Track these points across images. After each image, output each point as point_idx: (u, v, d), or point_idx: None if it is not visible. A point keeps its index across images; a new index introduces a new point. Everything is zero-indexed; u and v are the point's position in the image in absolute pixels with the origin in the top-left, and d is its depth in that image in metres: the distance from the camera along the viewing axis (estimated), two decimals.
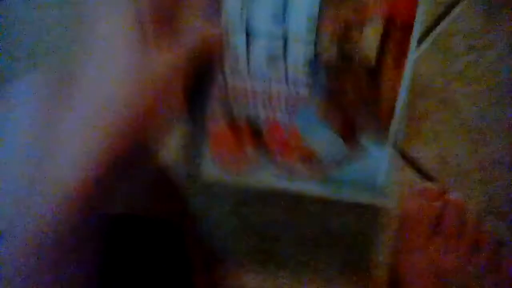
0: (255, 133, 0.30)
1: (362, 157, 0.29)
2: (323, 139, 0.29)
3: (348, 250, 0.46)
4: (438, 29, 0.47)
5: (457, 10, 0.47)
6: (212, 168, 0.30)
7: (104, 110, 0.23)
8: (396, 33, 0.28)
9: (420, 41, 0.47)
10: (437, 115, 0.47)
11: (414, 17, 0.28)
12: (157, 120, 0.25)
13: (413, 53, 0.28)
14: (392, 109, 0.29)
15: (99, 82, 0.24)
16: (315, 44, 0.28)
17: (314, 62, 0.29)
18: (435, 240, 0.43)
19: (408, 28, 0.28)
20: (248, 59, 0.29)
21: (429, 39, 0.47)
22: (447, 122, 0.46)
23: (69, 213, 0.22)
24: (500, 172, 0.46)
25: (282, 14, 0.29)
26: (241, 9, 0.29)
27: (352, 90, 0.29)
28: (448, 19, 0.47)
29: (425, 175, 0.46)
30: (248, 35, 0.29)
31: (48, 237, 0.21)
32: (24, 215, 0.22)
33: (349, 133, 0.29)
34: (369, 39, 0.28)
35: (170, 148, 0.43)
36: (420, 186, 0.45)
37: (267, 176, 0.30)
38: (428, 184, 0.45)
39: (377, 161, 0.29)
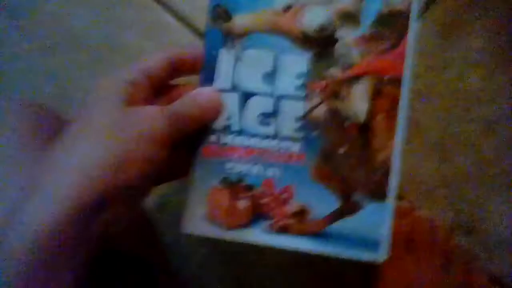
0: (248, 189, 0.30)
1: (357, 213, 0.29)
2: (315, 195, 0.29)
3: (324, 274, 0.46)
4: None
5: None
6: (198, 224, 0.30)
7: (89, 161, 0.25)
8: (386, 89, 0.29)
9: None
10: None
11: (401, 72, 0.28)
12: (141, 171, 0.26)
13: (405, 108, 0.28)
14: (385, 164, 0.29)
15: (85, 136, 0.26)
16: (305, 102, 0.29)
17: (305, 120, 0.29)
18: (408, 257, 0.43)
19: (397, 83, 0.28)
20: (241, 117, 0.30)
21: None
22: (410, 141, 0.47)
23: (44, 246, 0.23)
24: (466, 187, 0.47)
25: (272, 73, 0.30)
26: (233, 70, 0.30)
27: (344, 147, 0.29)
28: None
29: None
30: (240, 94, 0.30)
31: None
32: None
33: (342, 189, 0.29)
34: (358, 96, 0.29)
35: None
36: None
37: (258, 232, 0.29)
38: (397, 203, 0.45)
39: (373, 217, 0.29)
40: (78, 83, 0.49)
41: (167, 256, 0.43)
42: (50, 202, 0.23)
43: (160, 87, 0.30)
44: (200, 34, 0.49)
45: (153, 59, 0.30)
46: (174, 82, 0.31)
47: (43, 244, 0.23)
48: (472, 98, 0.48)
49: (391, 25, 0.29)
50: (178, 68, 0.31)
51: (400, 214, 0.44)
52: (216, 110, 0.30)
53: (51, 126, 0.37)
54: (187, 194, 0.30)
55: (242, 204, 0.30)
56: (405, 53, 0.28)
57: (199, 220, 0.30)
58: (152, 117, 0.27)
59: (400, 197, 0.47)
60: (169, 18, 0.50)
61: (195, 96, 0.29)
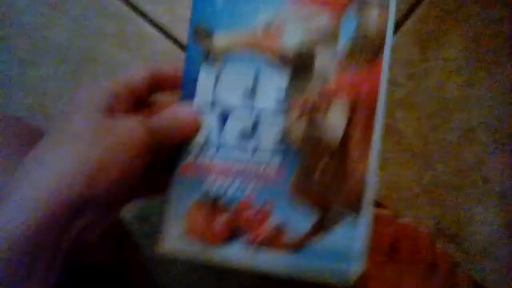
0: (227, 206, 0.30)
1: (335, 227, 0.29)
2: (294, 211, 0.29)
3: None
4: None
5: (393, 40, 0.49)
6: (176, 242, 0.30)
7: (64, 167, 0.24)
8: (362, 106, 0.29)
9: None
10: (382, 143, 0.48)
11: (377, 90, 0.29)
12: (117, 180, 0.26)
13: (380, 124, 0.29)
14: (362, 178, 0.29)
15: (62, 142, 0.26)
16: (285, 118, 0.30)
17: (284, 136, 0.30)
18: (391, 265, 0.43)
19: (372, 100, 0.29)
20: (220, 134, 0.30)
21: None
22: (392, 150, 0.48)
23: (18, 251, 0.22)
24: (447, 195, 0.47)
25: (252, 90, 0.30)
26: (213, 87, 0.30)
27: (322, 162, 0.29)
28: None
29: (375, 202, 0.47)
30: (220, 111, 0.30)
31: None
32: None
33: (321, 204, 0.29)
34: (336, 113, 0.29)
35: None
36: None
37: (238, 249, 0.29)
38: (379, 211, 0.45)
39: (350, 231, 0.29)
40: (57, 94, 0.48)
41: (147, 268, 0.42)
42: (23, 208, 0.23)
43: (140, 101, 0.30)
44: (180, 44, 0.49)
45: (135, 73, 0.30)
46: (153, 98, 0.31)
47: (14, 251, 0.22)
48: (452, 106, 0.48)
49: (367, 44, 0.29)
50: (159, 83, 0.31)
51: (382, 223, 0.44)
52: (194, 127, 0.30)
53: (27, 138, 0.36)
54: (164, 212, 0.30)
55: (221, 220, 0.30)
56: (380, 71, 0.29)
57: (177, 238, 0.30)
58: (132, 128, 0.27)
59: (382, 206, 0.47)
60: (149, 29, 0.49)
61: (175, 111, 0.30)
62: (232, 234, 0.30)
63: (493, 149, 0.48)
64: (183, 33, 0.49)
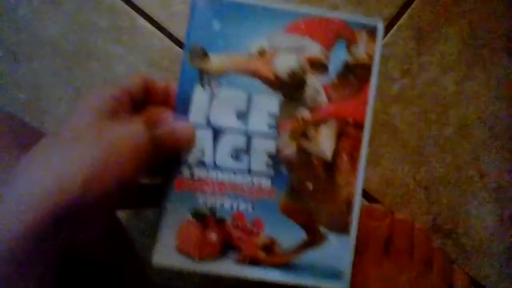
0: (219, 222, 0.31)
1: (322, 245, 0.31)
2: (284, 228, 0.31)
3: None
4: None
5: (388, 36, 0.49)
6: (169, 255, 0.31)
7: (65, 167, 0.24)
8: (349, 131, 0.32)
9: None
10: (378, 138, 0.48)
11: (363, 116, 0.32)
12: (118, 183, 0.26)
13: (366, 149, 0.32)
14: (348, 200, 0.32)
15: (64, 142, 0.26)
16: (276, 140, 0.31)
17: (276, 157, 0.31)
18: (387, 260, 0.43)
19: (359, 126, 0.32)
20: (214, 152, 0.31)
21: None
22: (388, 145, 0.47)
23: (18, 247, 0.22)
24: (443, 190, 0.47)
25: (245, 112, 0.32)
26: (208, 107, 0.32)
27: (311, 183, 0.32)
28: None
29: (371, 198, 0.47)
30: (214, 130, 0.31)
31: None
32: None
33: (309, 223, 0.31)
34: (325, 137, 0.31)
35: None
36: (367, 207, 0.45)
37: (228, 264, 0.31)
38: (375, 205, 0.45)
39: (337, 249, 0.31)
40: (51, 89, 0.48)
41: (141, 263, 0.42)
42: (20, 208, 0.23)
43: (136, 107, 0.31)
44: (175, 39, 0.49)
45: (133, 80, 0.31)
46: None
47: (11, 249, 0.22)
48: (448, 102, 0.48)
49: (355, 73, 0.32)
50: (150, 95, 0.32)
51: (377, 217, 0.44)
52: (191, 140, 0.31)
53: (20, 134, 0.36)
54: (158, 226, 0.31)
55: (213, 236, 0.31)
56: (367, 99, 0.32)
57: (170, 252, 0.31)
58: (137, 131, 0.27)
59: (376, 201, 0.47)
60: (143, 23, 0.49)
61: (175, 123, 0.31)
62: (222, 250, 0.31)
63: (489, 145, 0.48)
64: (178, 28, 0.49)
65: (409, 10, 0.49)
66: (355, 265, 0.44)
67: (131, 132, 0.27)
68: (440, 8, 0.49)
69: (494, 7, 0.49)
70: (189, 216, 0.31)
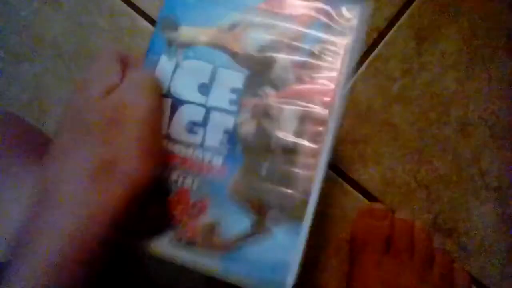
0: (161, 195, 0.29)
1: (267, 238, 0.28)
2: (229, 212, 0.29)
3: None
4: (373, 54, 0.48)
5: (389, 35, 0.49)
6: None
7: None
8: (314, 114, 0.29)
9: (357, 66, 0.48)
10: (378, 137, 0.47)
11: (332, 100, 0.29)
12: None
13: (329, 141, 0.29)
14: (306, 188, 0.28)
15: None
16: (236, 117, 0.30)
17: (232, 134, 0.29)
18: (388, 260, 0.43)
19: (326, 109, 0.29)
20: (169, 123, 0.30)
21: (365, 64, 0.48)
22: (388, 144, 0.47)
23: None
24: (444, 189, 0.47)
25: (208, 85, 0.30)
26: (171, 77, 0.30)
27: (267, 167, 0.29)
28: (381, 45, 0.48)
29: (371, 197, 0.47)
30: (173, 100, 0.30)
31: None
32: None
33: (257, 209, 0.29)
34: (287, 118, 0.29)
35: None
36: (367, 207, 0.45)
37: (163, 242, 0.29)
38: (375, 204, 0.45)
39: (285, 239, 0.28)
40: (52, 90, 0.48)
41: (143, 262, 0.42)
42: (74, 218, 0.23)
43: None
44: None
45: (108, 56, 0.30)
46: None
47: (71, 245, 0.22)
48: (448, 101, 0.48)
49: (328, 55, 0.30)
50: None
51: (378, 216, 0.44)
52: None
53: (23, 135, 0.36)
54: None
55: (153, 210, 0.29)
56: (338, 79, 0.29)
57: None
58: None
59: (378, 200, 0.47)
60: (143, 23, 0.49)
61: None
62: (160, 227, 0.29)
63: (490, 144, 0.48)
64: None
65: (409, 10, 0.49)
66: (355, 265, 0.44)
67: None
68: (440, 8, 0.49)
69: (494, 6, 0.49)
70: None
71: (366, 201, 0.46)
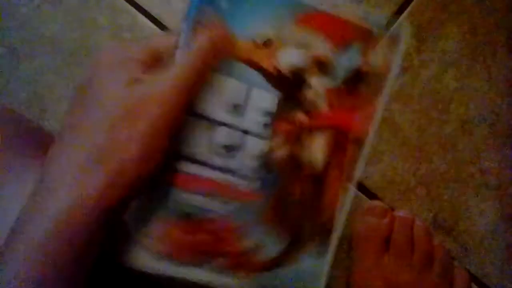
0: (200, 223, 0.28)
1: (297, 261, 0.29)
2: (265, 237, 0.28)
3: None
4: None
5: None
6: (144, 257, 0.28)
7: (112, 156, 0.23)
8: (346, 146, 0.28)
9: None
10: (379, 135, 0.47)
11: (366, 133, 0.28)
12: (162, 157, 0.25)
13: (360, 171, 0.28)
14: (330, 221, 0.29)
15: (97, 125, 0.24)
16: (269, 141, 0.28)
17: (266, 159, 0.28)
18: (388, 257, 0.43)
19: (358, 144, 0.28)
20: (202, 146, 0.28)
21: None
22: (389, 142, 0.47)
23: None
24: (444, 187, 0.47)
25: (242, 106, 0.28)
26: (205, 97, 0.28)
27: (297, 193, 0.28)
28: None
29: (371, 195, 0.47)
30: (206, 121, 0.28)
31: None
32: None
33: (288, 235, 0.29)
34: (318, 146, 0.28)
35: None
36: (368, 205, 0.45)
37: (206, 270, 0.28)
38: (376, 202, 0.45)
39: (317, 262, 0.29)
40: (52, 87, 0.48)
41: None
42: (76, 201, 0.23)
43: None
44: None
45: (162, 41, 0.28)
46: None
47: (67, 234, 0.22)
48: (448, 99, 0.48)
49: (367, 84, 0.28)
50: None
51: (377, 214, 0.44)
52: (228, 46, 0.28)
53: (23, 131, 0.36)
54: (132, 223, 0.27)
55: (195, 238, 0.28)
56: (374, 114, 0.28)
57: (146, 254, 0.27)
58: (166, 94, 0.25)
59: (377, 198, 0.47)
60: (143, 20, 0.49)
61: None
62: (201, 255, 0.28)
63: (490, 142, 0.48)
64: (177, 25, 0.49)
65: (409, 7, 0.49)
66: (356, 262, 0.44)
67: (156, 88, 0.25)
68: (440, 5, 0.49)
69: (494, 4, 0.49)
70: (170, 215, 0.27)
71: (366, 199, 0.46)
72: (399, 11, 0.49)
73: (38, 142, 0.36)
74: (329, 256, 0.29)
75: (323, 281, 0.29)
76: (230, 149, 0.28)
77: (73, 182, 0.23)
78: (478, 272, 0.46)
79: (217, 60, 0.27)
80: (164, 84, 0.25)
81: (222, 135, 0.28)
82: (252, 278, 0.28)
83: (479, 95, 0.48)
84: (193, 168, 0.28)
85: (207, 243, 0.28)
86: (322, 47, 0.28)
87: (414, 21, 0.49)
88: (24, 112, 0.48)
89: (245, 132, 0.28)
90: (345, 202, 0.28)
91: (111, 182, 0.23)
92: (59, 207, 0.22)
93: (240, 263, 0.28)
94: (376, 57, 0.28)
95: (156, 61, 0.27)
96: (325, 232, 0.29)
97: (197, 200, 0.28)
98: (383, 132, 0.47)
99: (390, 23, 0.28)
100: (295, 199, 0.29)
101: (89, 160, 0.23)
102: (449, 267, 0.44)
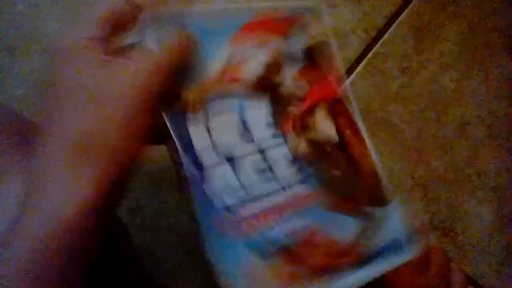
0: (285, 250, 0.28)
1: (377, 224, 0.30)
2: (338, 226, 0.29)
3: None
4: (371, 53, 0.48)
5: (387, 34, 0.49)
6: None
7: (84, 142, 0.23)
8: (338, 108, 0.31)
9: (356, 64, 0.48)
10: (376, 136, 0.47)
11: (342, 92, 0.31)
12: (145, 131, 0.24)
13: (360, 120, 0.31)
14: (372, 171, 0.31)
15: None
16: (286, 144, 0.29)
17: (294, 160, 0.29)
18: None
19: (343, 102, 0.31)
20: (240, 183, 0.28)
21: (363, 62, 0.48)
22: (386, 143, 0.47)
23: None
24: (441, 188, 0.47)
25: (246, 131, 0.29)
26: (209, 136, 0.28)
27: (336, 169, 0.30)
28: (380, 43, 0.48)
29: None
30: (228, 161, 0.28)
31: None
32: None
33: (355, 208, 0.30)
34: (323, 121, 0.31)
35: None
36: None
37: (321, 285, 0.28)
38: None
39: (390, 220, 0.30)
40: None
41: (139, 257, 0.42)
42: (74, 191, 0.23)
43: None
44: None
45: (111, 4, 0.26)
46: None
47: (63, 229, 0.22)
48: (446, 100, 0.48)
49: (321, 54, 0.31)
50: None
51: None
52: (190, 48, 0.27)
53: (17, 128, 0.36)
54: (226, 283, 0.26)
55: (289, 268, 0.27)
56: (340, 73, 0.31)
57: None
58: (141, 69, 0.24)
59: None
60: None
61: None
62: (302, 275, 0.28)
63: (487, 143, 0.48)
64: None
65: (408, 9, 0.49)
66: None
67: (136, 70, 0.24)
68: (439, 7, 0.49)
69: (493, 6, 0.49)
70: (255, 259, 0.27)
71: None
72: (397, 13, 0.49)
73: (28, 137, 0.36)
74: (396, 208, 0.30)
75: (404, 226, 0.30)
76: (262, 173, 0.29)
77: (61, 178, 0.23)
78: (475, 273, 0.46)
79: (181, 59, 0.27)
80: (131, 66, 0.24)
81: (249, 167, 0.29)
82: (354, 270, 0.29)
83: (477, 96, 0.48)
84: (255, 207, 0.28)
85: (299, 264, 0.28)
86: (273, 42, 0.30)
87: (412, 23, 0.49)
88: (19, 110, 0.47)
89: (263, 151, 0.29)
90: (374, 155, 0.31)
91: (99, 170, 0.23)
92: (52, 206, 0.22)
93: (333, 263, 0.28)
94: (314, 30, 0.31)
95: (115, 28, 0.26)
96: (376, 185, 0.31)
97: (268, 233, 0.28)
98: (381, 133, 0.47)
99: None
100: (338, 176, 0.30)
101: (72, 154, 0.23)
102: (446, 268, 0.44)
